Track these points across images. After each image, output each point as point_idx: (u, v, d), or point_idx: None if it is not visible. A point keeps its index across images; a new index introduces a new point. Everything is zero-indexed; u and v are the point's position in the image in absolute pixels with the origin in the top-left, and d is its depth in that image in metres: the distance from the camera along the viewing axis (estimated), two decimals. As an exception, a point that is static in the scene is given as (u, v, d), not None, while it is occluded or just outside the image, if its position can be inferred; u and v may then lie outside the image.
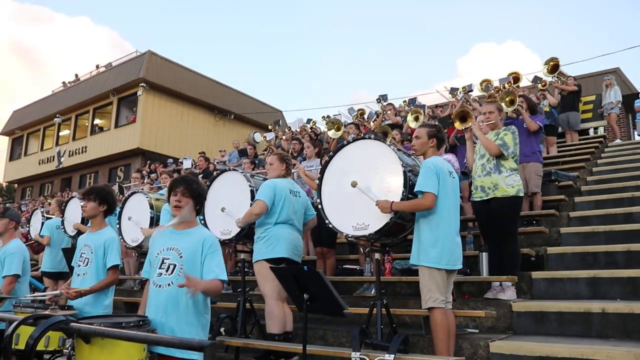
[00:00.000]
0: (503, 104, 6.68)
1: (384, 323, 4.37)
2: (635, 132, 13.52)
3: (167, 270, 3.28)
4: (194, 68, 24.41)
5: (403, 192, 4.19)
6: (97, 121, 24.78)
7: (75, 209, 7.88)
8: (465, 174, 6.94)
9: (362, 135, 6.67)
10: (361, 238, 4.52)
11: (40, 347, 3.32)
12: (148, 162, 19.03)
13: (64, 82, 27.75)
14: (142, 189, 7.93)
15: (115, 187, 12.01)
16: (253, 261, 5.05)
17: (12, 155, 29.17)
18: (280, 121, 19.29)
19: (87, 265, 4.14)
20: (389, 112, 11.18)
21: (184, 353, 2.96)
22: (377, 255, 4.63)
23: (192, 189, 3.39)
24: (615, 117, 12.52)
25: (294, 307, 4.69)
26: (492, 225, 5.31)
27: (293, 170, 6.01)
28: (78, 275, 4.17)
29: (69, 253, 6.24)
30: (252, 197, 5.24)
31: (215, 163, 13.85)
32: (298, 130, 14.57)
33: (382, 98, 11.91)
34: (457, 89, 10.27)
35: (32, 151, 27.77)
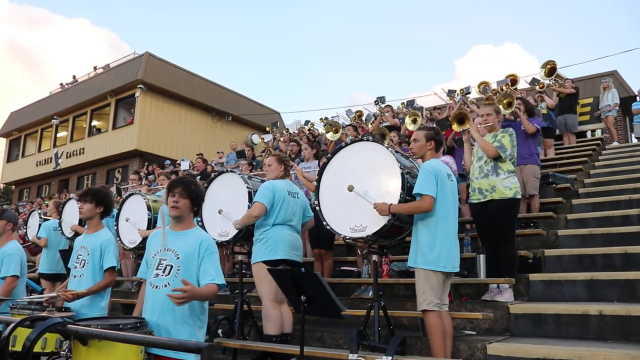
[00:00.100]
0: (501, 107, 6.68)
1: (382, 325, 4.37)
2: (633, 135, 13.55)
3: (163, 271, 3.28)
4: (192, 70, 24.41)
5: (401, 194, 4.19)
6: (94, 123, 24.78)
7: (72, 211, 7.87)
8: (462, 176, 6.96)
9: (360, 137, 6.67)
10: (359, 240, 4.52)
11: (37, 349, 3.32)
12: (146, 163, 19.01)
13: (61, 84, 27.73)
14: (140, 190, 7.91)
15: (113, 189, 11.99)
16: (252, 263, 5.05)
17: (10, 157, 29.14)
18: (278, 123, 19.29)
19: (83, 266, 4.13)
20: (387, 114, 11.20)
21: (179, 354, 2.96)
22: (374, 257, 4.63)
23: (190, 190, 3.39)
24: (612, 119, 12.54)
25: (293, 308, 4.69)
26: (490, 227, 5.31)
27: (291, 172, 6.01)
28: (74, 276, 4.16)
29: (66, 254, 6.23)
30: (250, 199, 5.25)
31: (213, 164, 13.86)
32: (296, 132, 14.56)
33: (380, 100, 11.91)
34: (455, 91, 10.28)
35: (29, 153, 27.74)
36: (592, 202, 7.69)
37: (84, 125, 24.83)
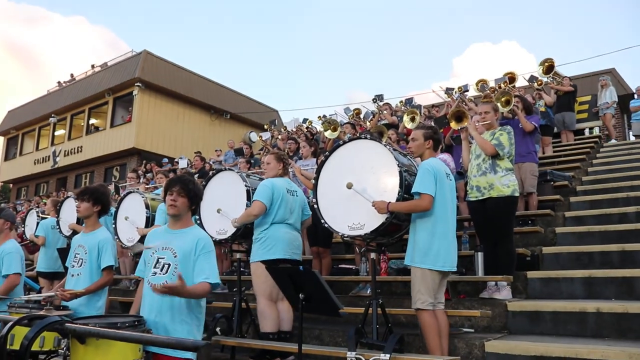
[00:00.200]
0: (499, 104, 6.68)
1: (380, 323, 4.38)
2: (631, 133, 13.55)
3: (161, 270, 3.28)
4: (190, 68, 24.36)
5: (399, 192, 4.20)
6: (92, 121, 24.71)
7: (70, 209, 7.86)
8: (460, 173, 6.96)
9: (358, 135, 6.67)
10: (357, 238, 4.52)
11: (35, 347, 3.31)
12: (144, 161, 18.98)
13: (59, 82, 27.62)
14: (138, 188, 7.91)
15: (112, 187, 11.99)
16: (250, 261, 5.06)
17: (7, 155, 29.07)
18: (276, 121, 19.28)
19: (81, 265, 4.13)
20: (385, 111, 11.19)
21: (177, 352, 2.96)
22: (372, 255, 4.64)
23: (188, 189, 3.39)
24: (610, 117, 12.55)
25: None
26: (488, 225, 5.32)
27: (289, 170, 6.01)
28: (72, 275, 4.17)
29: (64, 253, 6.22)
30: (248, 197, 5.25)
31: (211, 163, 13.85)
32: (294, 129, 14.56)
33: (378, 98, 11.91)
34: (453, 89, 10.28)
35: (27, 151, 27.66)
36: (589, 199, 7.70)
37: (82, 124, 24.76)
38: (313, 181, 4.88)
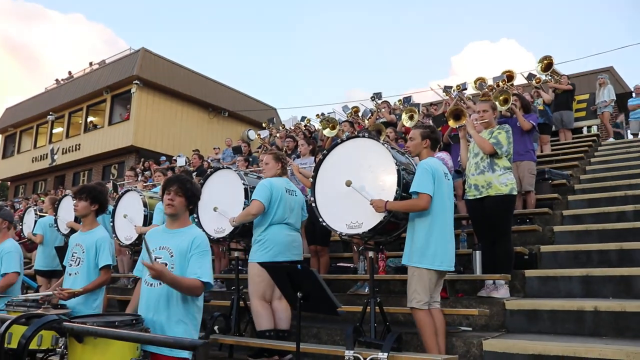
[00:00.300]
0: (497, 103, 6.68)
1: (378, 321, 4.38)
2: (629, 131, 13.56)
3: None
4: (188, 65, 24.38)
5: (397, 191, 4.20)
6: (90, 119, 24.67)
7: (68, 207, 7.84)
8: (459, 172, 6.96)
9: (356, 133, 6.68)
10: (355, 236, 4.52)
11: (33, 346, 3.30)
12: (142, 159, 18.96)
13: (57, 80, 27.59)
14: (136, 186, 7.90)
15: (110, 185, 11.97)
16: (248, 261, 5.06)
17: (5, 153, 29.02)
18: (275, 119, 19.30)
19: (78, 265, 4.13)
20: (384, 110, 11.19)
21: (173, 352, 2.96)
22: (370, 254, 4.64)
23: (186, 189, 3.38)
24: (608, 115, 12.57)
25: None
26: (486, 223, 5.32)
27: (287, 167, 6.01)
28: (70, 274, 4.16)
29: (62, 251, 6.22)
30: (246, 195, 5.25)
31: (209, 161, 13.83)
32: (292, 127, 14.56)
33: (376, 96, 11.92)
34: (451, 87, 10.28)
35: (25, 149, 27.62)
36: (587, 198, 7.70)
37: (80, 121, 24.74)
38: (311, 179, 4.88)
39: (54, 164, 25.10)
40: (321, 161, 4.83)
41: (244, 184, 5.36)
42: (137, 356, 2.83)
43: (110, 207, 6.89)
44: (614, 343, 4.03)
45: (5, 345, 2.75)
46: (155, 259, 3.15)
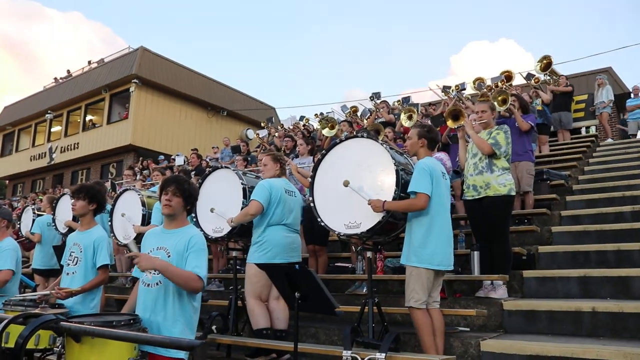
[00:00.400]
0: (495, 103, 6.68)
1: (376, 321, 4.38)
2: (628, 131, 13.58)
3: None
4: (187, 64, 24.37)
5: (395, 191, 4.19)
6: (89, 117, 24.67)
7: (66, 206, 7.82)
8: (457, 172, 6.96)
9: (355, 132, 6.67)
10: (353, 236, 4.51)
11: (30, 345, 3.30)
12: (140, 158, 18.96)
13: (55, 78, 27.57)
14: (134, 186, 7.89)
15: (108, 184, 11.96)
16: (247, 261, 5.05)
17: (3, 152, 28.98)
18: (273, 118, 19.31)
19: (76, 264, 4.12)
20: (382, 109, 11.19)
21: (170, 352, 2.96)
22: (369, 254, 4.64)
23: (184, 189, 3.38)
24: (607, 116, 12.58)
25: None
26: (484, 224, 5.32)
27: (285, 167, 6.01)
28: (67, 274, 4.16)
29: (59, 250, 6.21)
30: (245, 195, 5.24)
31: (207, 160, 13.83)
32: (291, 127, 14.56)
33: (375, 96, 11.92)
34: (450, 87, 10.29)
35: (23, 147, 27.59)
36: (586, 198, 7.71)
37: (78, 120, 24.72)
38: (309, 179, 4.87)
39: (52, 162, 25.08)
40: (320, 161, 4.83)
41: (242, 184, 5.35)
42: (135, 356, 2.84)
43: (109, 206, 6.88)
44: (611, 344, 4.03)
45: (3, 345, 2.75)
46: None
